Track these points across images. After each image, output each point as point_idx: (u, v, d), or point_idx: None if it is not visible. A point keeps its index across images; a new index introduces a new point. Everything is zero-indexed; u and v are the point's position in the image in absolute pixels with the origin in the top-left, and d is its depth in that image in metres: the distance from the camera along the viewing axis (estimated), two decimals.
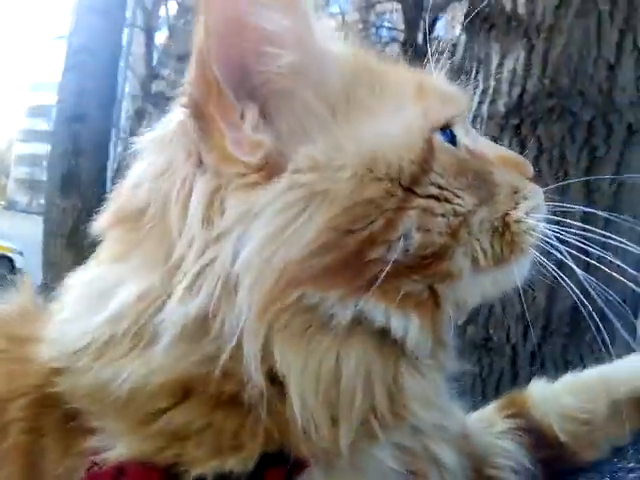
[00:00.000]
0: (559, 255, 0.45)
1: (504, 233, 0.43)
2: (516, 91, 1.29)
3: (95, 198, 3.58)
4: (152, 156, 0.42)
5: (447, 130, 0.43)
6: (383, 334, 0.38)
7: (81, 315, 0.39)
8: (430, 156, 0.40)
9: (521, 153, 1.28)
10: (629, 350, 0.60)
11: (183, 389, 0.36)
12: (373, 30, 10.66)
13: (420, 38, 8.75)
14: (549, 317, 1.29)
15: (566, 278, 0.45)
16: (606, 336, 1.38)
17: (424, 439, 0.43)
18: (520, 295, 1.32)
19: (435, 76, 0.48)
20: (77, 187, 3.62)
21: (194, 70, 0.38)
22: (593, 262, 0.49)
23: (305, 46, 0.39)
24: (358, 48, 0.49)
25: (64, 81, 3.78)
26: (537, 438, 0.52)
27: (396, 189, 0.38)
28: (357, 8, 10.53)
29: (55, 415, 0.38)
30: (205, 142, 0.38)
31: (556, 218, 0.47)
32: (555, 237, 0.45)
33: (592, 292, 0.44)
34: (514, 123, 1.29)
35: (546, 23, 1.25)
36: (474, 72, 1.38)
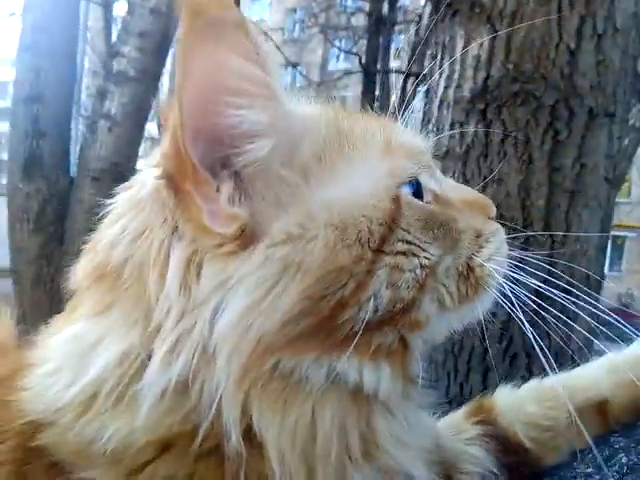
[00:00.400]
0: (509, 304, 0.48)
1: (469, 276, 0.46)
2: (481, 76, 1.32)
3: (60, 182, 3.49)
4: (127, 217, 0.43)
5: (413, 182, 0.45)
6: (357, 387, 0.41)
7: (63, 372, 0.40)
8: (397, 214, 0.42)
9: (486, 137, 1.32)
10: None
11: (165, 444, 0.38)
12: (338, 1, 10.48)
13: (385, 8, 8.65)
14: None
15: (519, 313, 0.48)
16: (570, 313, 1.45)
17: (400, 458, 0.45)
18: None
19: (401, 131, 0.49)
20: (40, 170, 3.52)
21: (169, 146, 0.39)
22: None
23: (278, 129, 0.40)
24: (328, 107, 0.49)
25: (19, 61, 3.63)
26: (503, 444, 0.55)
27: (366, 252, 0.40)
28: None
29: (40, 464, 0.39)
30: (181, 212, 0.40)
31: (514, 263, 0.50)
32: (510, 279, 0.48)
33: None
34: (480, 108, 1.32)
35: (508, 9, 1.27)
36: (439, 57, 1.40)
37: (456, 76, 1.36)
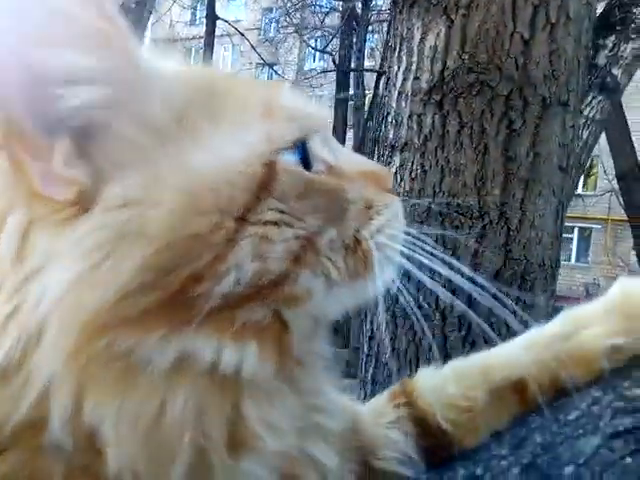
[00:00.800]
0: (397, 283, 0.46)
1: (356, 250, 0.42)
2: (437, 67, 1.33)
3: None
4: None
5: (299, 148, 0.41)
6: (215, 368, 0.36)
7: None
8: (270, 181, 0.38)
9: (443, 128, 1.33)
10: None
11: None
12: (312, 0, 10.49)
13: (359, 8, 8.69)
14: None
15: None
16: (527, 298, 1.46)
17: (300, 441, 0.42)
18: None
19: (286, 93, 0.44)
20: None
21: None
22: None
23: (117, 79, 0.37)
24: (203, 67, 0.46)
25: None
26: (422, 427, 0.52)
27: (226, 221, 0.36)
28: None
29: None
30: (15, 177, 0.35)
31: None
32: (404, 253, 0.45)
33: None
34: (436, 99, 1.33)
35: (464, 0, 1.28)
36: (398, 49, 1.41)
37: (414, 67, 1.37)
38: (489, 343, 0.61)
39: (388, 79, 1.46)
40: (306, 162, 0.42)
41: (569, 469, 0.41)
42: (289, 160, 0.40)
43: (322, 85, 10.98)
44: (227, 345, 0.36)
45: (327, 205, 0.41)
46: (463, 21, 1.29)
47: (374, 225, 0.44)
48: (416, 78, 1.36)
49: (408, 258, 0.45)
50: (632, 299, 0.49)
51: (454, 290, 0.51)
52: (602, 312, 0.50)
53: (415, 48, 1.36)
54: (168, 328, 0.35)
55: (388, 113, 1.46)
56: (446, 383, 0.53)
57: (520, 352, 0.52)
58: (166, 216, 0.35)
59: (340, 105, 8.61)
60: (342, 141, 8.24)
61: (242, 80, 0.47)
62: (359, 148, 8.42)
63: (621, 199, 5.51)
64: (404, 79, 1.39)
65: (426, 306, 1.46)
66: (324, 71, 10.66)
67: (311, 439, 0.43)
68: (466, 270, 0.49)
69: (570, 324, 0.51)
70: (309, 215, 0.39)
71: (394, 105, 1.42)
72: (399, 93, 1.40)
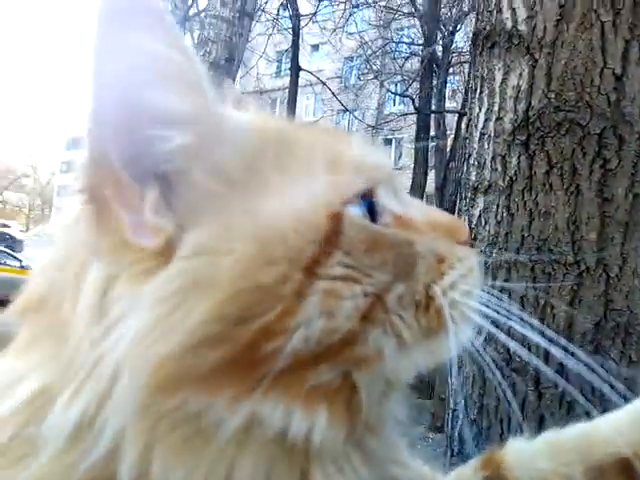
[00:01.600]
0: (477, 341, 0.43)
1: (428, 307, 0.40)
2: (522, 107, 1.28)
3: None
4: (57, 243, 0.40)
5: (366, 200, 0.40)
6: (284, 434, 0.34)
7: None
8: (336, 233, 0.36)
9: (530, 169, 1.27)
10: None
11: None
12: (392, 46, 10.68)
13: (439, 51, 8.74)
14: (570, 335, 1.26)
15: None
16: (633, 352, 1.33)
17: None
18: (540, 314, 1.28)
19: (354, 144, 0.43)
20: None
21: (86, 152, 0.35)
22: None
23: (200, 121, 0.37)
24: (273, 116, 0.46)
25: None
26: None
27: (294, 272, 0.34)
28: (375, 26, 10.58)
29: None
30: (100, 227, 0.35)
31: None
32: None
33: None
34: (521, 139, 1.28)
35: (547, 38, 1.24)
36: (479, 91, 1.37)
37: (496, 108, 1.32)
38: (590, 402, 0.54)
39: (469, 121, 1.42)
40: (373, 214, 0.40)
41: None
42: (356, 212, 0.38)
43: (402, 128, 11.04)
44: (297, 410, 0.34)
45: (395, 259, 0.38)
46: (548, 59, 1.24)
47: (446, 280, 0.42)
48: (499, 119, 1.32)
49: (486, 317, 0.42)
50: None
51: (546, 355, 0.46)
52: None
53: (497, 88, 1.32)
54: (236, 390, 0.33)
55: (470, 155, 1.41)
56: (538, 457, 0.48)
57: (625, 425, 0.46)
58: (236, 264, 0.34)
59: (421, 147, 8.59)
60: (423, 183, 8.17)
61: (312, 129, 0.46)
62: (441, 190, 8.30)
63: None
64: (486, 120, 1.35)
65: (517, 359, 1.37)
66: (404, 114, 10.73)
67: None
68: (551, 333, 0.45)
69: None
70: (377, 270, 0.37)
71: (476, 147, 1.38)
72: (481, 134, 1.36)
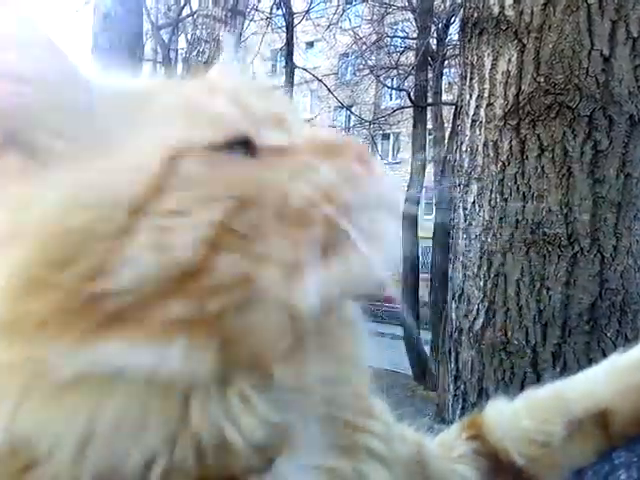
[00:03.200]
0: None
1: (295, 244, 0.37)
2: (512, 92, 1.29)
3: None
4: None
5: (239, 144, 0.40)
6: (145, 374, 0.33)
7: None
8: (169, 174, 0.36)
9: (522, 153, 1.28)
10: None
11: None
12: (387, 41, 10.66)
13: (434, 44, 8.72)
14: (567, 316, 1.27)
15: None
16: (629, 331, 1.34)
17: (354, 461, 0.39)
18: (536, 296, 1.28)
19: (225, 99, 0.43)
20: None
21: None
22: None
23: (44, 87, 0.38)
24: (148, 79, 0.46)
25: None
26: (494, 462, 0.49)
27: (115, 213, 0.34)
28: (369, 21, 10.55)
29: None
30: None
31: None
32: None
33: None
34: (512, 124, 1.29)
35: (535, 22, 1.25)
36: (469, 77, 1.38)
37: (486, 94, 1.33)
38: None
39: (461, 108, 1.44)
40: (252, 153, 0.40)
41: None
42: (201, 153, 0.38)
43: (399, 122, 11.02)
44: (151, 346, 0.33)
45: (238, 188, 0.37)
46: (536, 44, 1.25)
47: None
48: (489, 105, 1.33)
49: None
50: None
51: None
52: None
53: (487, 75, 1.33)
54: (77, 334, 0.33)
55: (462, 142, 1.42)
56: (519, 416, 0.49)
57: (602, 380, 0.47)
58: (44, 213, 0.34)
59: (417, 140, 8.57)
60: (422, 176, 8.16)
61: (176, 86, 0.45)
62: (439, 182, 8.29)
63: None
64: (477, 106, 1.36)
65: (515, 342, 1.38)
66: (400, 107, 10.72)
67: (365, 460, 0.40)
68: None
69: None
70: (218, 201, 0.37)
71: (468, 134, 1.39)
72: (473, 121, 1.37)
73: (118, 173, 0.36)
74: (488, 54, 1.32)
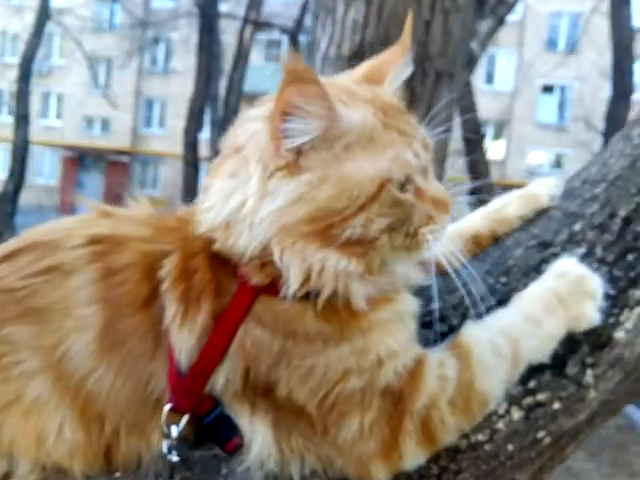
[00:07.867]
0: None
1: (414, 237, 0.74)
2: (357, 38, 1.59)
3: None
4: (252, 123, 0.74)
5: (402, 180, 0.71)
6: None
7: (214, 209, 0.72)
8: (377, 194, 0.69)
9: None
10: None
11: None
12: None
13: None
14: None
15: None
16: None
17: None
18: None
19: (407, 152, 0.72)
20: None
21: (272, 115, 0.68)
22: None
23: (322, 123, 0.68)
24: (373, 113, 0.72)
25: None
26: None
27: (352, 206, 0.69)
28: None
29: (211, 256, 0.74)
30: (269, 143, 0.70)
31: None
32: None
33: None
34: (355, 65, 1.59)
35: None
36: (323, 18, 1.63)
37: (337, 36, 1.61)
38: None
39: (313, 44, 1.69)
40: (404, 187, 0.71)
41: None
42: (392, 186, 0.70)
43: (175, 28, 10.52)
44: (345, 259, 0.70)
45: (402, 211, 0.72)
46: (380, 2, 1.56)
47: (427, 227, 0.74)
48: (339, 46, 1.61)
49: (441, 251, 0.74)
50: (533, 189, 0.86)
51: None
52: (516, 198, 0.87)
53: (339, 20, 1.60)
54: (321, 243, 0.69)
55: None
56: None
57: (478, 219, 0.88)
58: (325, 195, 0.69)
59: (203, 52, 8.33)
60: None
61: (394, 127, 0.73)
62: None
63: None
64: (328, 46, 1.63)
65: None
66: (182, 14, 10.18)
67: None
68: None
69: (500, 204, 0.88)
70: (393, 214, 0.71)
71: (318, 68, 1.65)
72: (323, 57, 1.64)
73: (355, 183, 0.69)
74: (342, 1, 1.59)
